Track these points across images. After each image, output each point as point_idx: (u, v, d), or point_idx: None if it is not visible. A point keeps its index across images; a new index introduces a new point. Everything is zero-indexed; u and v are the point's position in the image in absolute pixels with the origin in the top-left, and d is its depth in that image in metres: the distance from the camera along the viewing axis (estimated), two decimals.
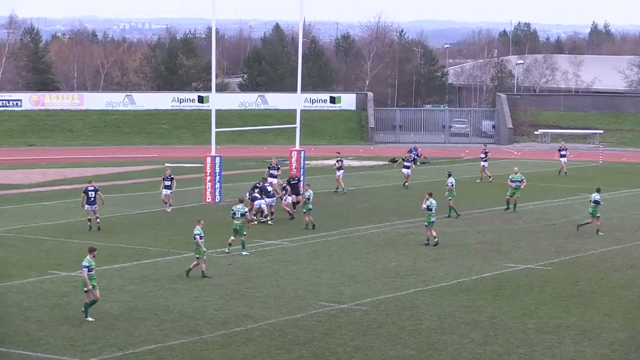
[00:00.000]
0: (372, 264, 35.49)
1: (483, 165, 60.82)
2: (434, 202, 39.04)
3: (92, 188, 42.15)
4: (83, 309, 27.51)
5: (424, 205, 39.01)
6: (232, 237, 36.73)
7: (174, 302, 29.51)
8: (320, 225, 43.06)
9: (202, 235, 32.92)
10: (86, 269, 27.42)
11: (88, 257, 27.66)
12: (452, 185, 46.17)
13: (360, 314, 28.45)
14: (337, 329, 26.91)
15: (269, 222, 43.42)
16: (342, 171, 55.29)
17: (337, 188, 54.77)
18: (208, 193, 50.79)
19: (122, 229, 42.37)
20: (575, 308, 29.44)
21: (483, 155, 61.08)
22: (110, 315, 28.02)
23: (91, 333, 26.28)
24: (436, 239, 38.83)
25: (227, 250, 36.59)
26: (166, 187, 47.12)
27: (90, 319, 27.24)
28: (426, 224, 39.04)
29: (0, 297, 30.02)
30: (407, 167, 57.92)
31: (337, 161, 55.33)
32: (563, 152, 65.62)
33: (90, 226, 41.83)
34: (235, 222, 36.51)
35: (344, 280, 32.70)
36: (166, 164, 68.08)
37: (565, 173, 64.40)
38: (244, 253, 36.31)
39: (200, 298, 29.99)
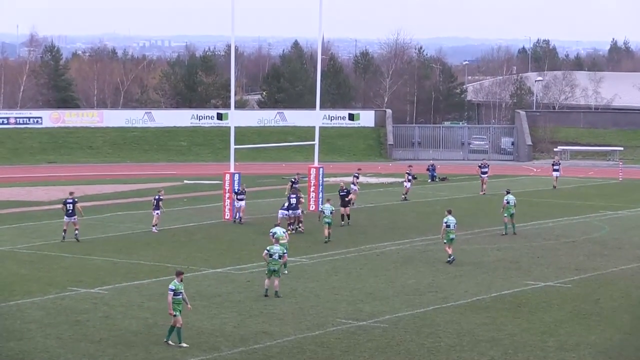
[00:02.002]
0: (390, 281, 35.43)
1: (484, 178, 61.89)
2: (452, 219, 38.97)
3: (71, 200, 43.12)
4: (170, 332, 26.76)
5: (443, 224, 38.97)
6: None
7: (192, 318, 29.51)
8: (339, 242, 43.07)
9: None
10: (172, 292, 26.85)
11: (175, 280, 27.17)
12: (508, 203, 46.01)
13: (379, 331, 28.39)
14: (356, 346, 26.86)
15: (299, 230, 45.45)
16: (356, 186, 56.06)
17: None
18: (227, 210, 50.83)
19: (141, 246, 42.47)
20: (596, 326, 29.29)
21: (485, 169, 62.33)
22: (129, 332, 28.06)
23: (110, 350, 26.32)
24: (452, 257, 38.61)
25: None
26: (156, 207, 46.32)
27: (184, 344, 26.48)
28: (445, 241, 38.96)
29: (21, 313, 30.12)
30: (409, 181, 58.36)
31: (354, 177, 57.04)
32: (556, 167, 66.49)
33: (64, 237, 42.42)
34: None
35: (363, 297, 32.66)
36: (185, 181, 68.27)
37: (554, 186, 65.23)
38: (285, 272, 35.55)
39: (218, 315, 30.00)
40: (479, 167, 64.39)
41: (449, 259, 38.65)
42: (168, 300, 26.85)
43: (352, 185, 55.33)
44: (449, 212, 39.44)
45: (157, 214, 46.15)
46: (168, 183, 68.51)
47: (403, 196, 58.50)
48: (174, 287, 26.92)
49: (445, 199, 58.94)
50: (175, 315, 26.66)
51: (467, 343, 27.27)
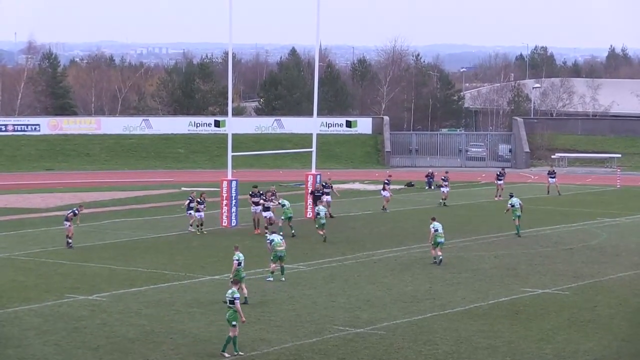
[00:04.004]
0: (388, 288, 35.43)
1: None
2: (438, 224, 40.23)
3: (75, 210, 44.14)
4: (227, 342, 26.63)
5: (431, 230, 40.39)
6: (273, 265, 36.30)
7: (190, 326, 29.53)
8: (336, 249, 43.13)
9: (240, 260, 32.81)
10: (238, 300, 26.96)
11: (234, 288, 27.33)
12: (513, 206, 47.45)
13: (376, 338, 28.39)
14: (353, 354, 26.86)
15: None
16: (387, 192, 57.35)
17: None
18: (224, 217, 50.85)
19: (139, 253, 42.47)
20: (593, 333, 29.30)
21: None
22: (126, 339, 28.06)
23: (108, 357, 26.32)
24: (440, 257, 39.73)
25: (270, 278, 36.25)
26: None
27: (226, 354, 26.52)
28: (432, 243, 40.16)
29: (19, 320, 30.12)
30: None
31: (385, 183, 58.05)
32: (552, 176, 67.45)
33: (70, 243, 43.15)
34: (277, 248, 36.13)
35: (360, 304, 32.66)
36: (183, 188, 68.27)
37: (557, 193, 65.85)
38: (282, 279, 36.14)
39: (216, 322, 29.98)
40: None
41: (434, 261, 39.62)
42: (237, 307, 26.73)
43: (382, 192, 57.60)
44: (434, 219, 40.76)
45: (190, 214, 47.72)
46: (165, 190, 68.56)
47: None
48: (238, 295, 27.01)
49: (443, 206, 58.92)
50: (234, 325, 26.55)
51: (464, 350, 27.27)
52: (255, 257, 40.78)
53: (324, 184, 54.31)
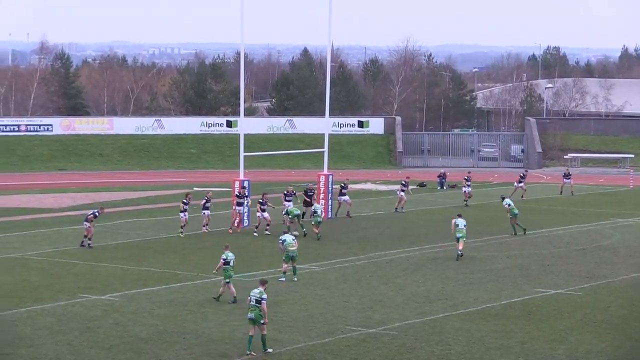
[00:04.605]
0: (400, 288, 35.41)
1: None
2: (462, 220, 41.67)
3: (96, 211, 44.54)
4: (250, 342, 26.67)
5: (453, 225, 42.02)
6: (285, 265, 36.50)
7: (202, 326, 29.57)
8: (348, 250, 43.16)
9: (227, 260, 32.89)
10: (265, 302, 27.03)
11: (261, 288, 27.34)
12: (509, 205, 47.69)
13: (388, 338, 28.38)
14: (366, 354, 26.86)
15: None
16: (402, 193, 57.38)
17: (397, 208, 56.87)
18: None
19: (151, 253, 42.54)
20: (606, 334, 29.23)
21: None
22: (139, 339, 28.11)
23: (120, 357, 26.37)
24: (460, 252, 40.88)
25: (283, 279, 36.34)
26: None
27: (269, 349, 26.85)
28: (457, 237, 41.61)
29: (32, 320, 30.20)
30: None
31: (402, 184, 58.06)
32: (568, 177, 67.37)
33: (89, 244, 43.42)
34: (289, 248, 36.30)
35: (373, 304, 32.65)
36: (194, 189, 68.35)
37: (570, 193, 65.76)
38: (295, 279, 36.22)
39: (228, 322, 30.01)
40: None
41: (458, 253, 41.00)
42: (263, 308, 26.90)
43: (398, 192, 57.59)
44: (459, 216, 42.32)
45: (205, 214, 48.17)
46: (178, 190, 68.60)
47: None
48: (266, 296, 27.08)
49: (455, 206, 58.84)
50: (262, 323, 26.69)
51: (477, 351, 27.24)
52: (268, 257, 40.87)
53: (342, 185, 54.49)
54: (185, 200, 47.81)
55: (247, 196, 49.84)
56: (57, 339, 27.96)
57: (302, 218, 48.52)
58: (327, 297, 33.75)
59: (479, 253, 42.72)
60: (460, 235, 41.29)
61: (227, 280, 32.73)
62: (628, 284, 36.74)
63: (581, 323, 30.45)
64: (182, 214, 47.38)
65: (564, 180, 67.36)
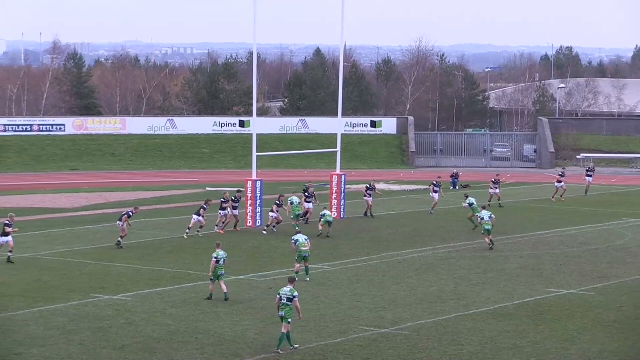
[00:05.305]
0: (413, 288, 35.39)
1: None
2: (486, 212, 43.62)
3: (130, 211, 44.55)
4: (281, 340, 26.85)
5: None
6: (298, 265, 36.58)
7: (214, 326, 29.60)
8: (361, 250, 43.17)
9: (218, 258, 33.08)
10: (297, 299, 27.22)
11: (290, 286, 27.55)
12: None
13: (401, 338, 28.37)
14: (378, 354, 26.85)
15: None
16: (436, 194, 57.20)
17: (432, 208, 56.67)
18: (249, 217, 50.93)
19: (164, 253, 42.60)
20: (619, 334, 29.16)
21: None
22: (151, 338, 28.15)
23: (133, 357, 26.42)
24: (490, 245, 43.09)
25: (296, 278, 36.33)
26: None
27: (296, 345, 27.13)
28: (482, 232, 43.49)
29: (44, 320, 30.27)
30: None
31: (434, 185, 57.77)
32: (590, 173, 66.34)
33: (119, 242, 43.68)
34: (302, 248, 36.36)
35: (385, 304, 32.64)
36: (207, 188, 68.45)
37: (586, 193, 65.71)
38: (307, 279, 36.32)
39: (241, 322, 30.04)
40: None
41: (490, 246, 42.94)
42: (296, 305, 27.12)
43: (432, 194, 57.39)
44: (484, 208, 44.52)
45: (221, 214, 48.08)
46: (190, 190, 68.76)
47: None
48: (298, 294, 27.26)
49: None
50: (288, 322, 26.90)
51: (489, 351, 27.21)
52: (281, 257, 40.92)
53: (367, 186, 54.79)
54: (205, 206, 47.63)
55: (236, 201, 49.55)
56: (69, 339, 28.02)
57: (303, 217, 49.66)
58: (339, 297, 33.76)
59: (491, 253, 42.65)
60: (489, 227, 43.01)
61: (212, 277, 32.99)
62: None
63: (593, 323, 30.38)
64: (195, 217, 47.20)
65: (586, 177, 66.78)
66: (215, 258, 33.20)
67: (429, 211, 56.46)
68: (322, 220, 46.55)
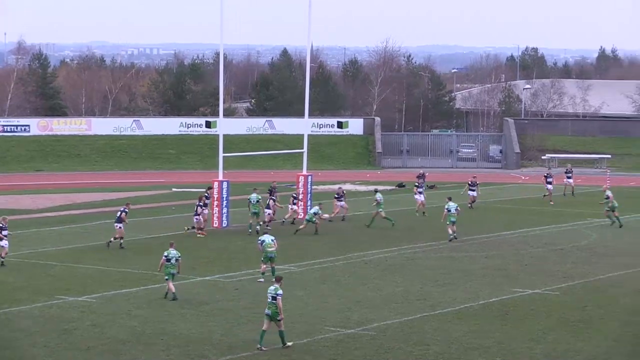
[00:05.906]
0: (379, 288, 35.46)
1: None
2: (452, 204, 45.15)
3: (123, 209, 44.67)
4: (262, 336, 27.08)
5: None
6: (264, 265, 36.57)
7: (181, 327, 29.52)
8: (327, 251, 43.16)
9: (169, 257, 33.25)
10: (280, 297, 27.23)
11: (276, 285, 27.59)
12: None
13: (367, 339, 28.41)
14: (344, 354, 26.88)
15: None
16: (422, 195, 56.51)
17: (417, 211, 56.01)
18: (215, 218, 50.82)
19: (130, 254, 42.41)
20: (583, 333, 29.36)
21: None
22: (117, 340, 28.03)
23: (98, 358, 26.30)
24: (453, 235, 44.72)
25: (262, 279, 36.28)
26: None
27: (289, 343, 27.33)
28: (448, 222, 45.07)
29: (8, 322, 30.06)
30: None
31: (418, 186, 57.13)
32: (569, 174, 66.28)
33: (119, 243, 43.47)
34: (268, 249, 36.33)
35: (351, 305, 32.68)
36: (173, 189, 68.23)
37: (572, 193, 65.20)
38: (261, 280, 36.23)
39: (207, 323, 29.98)
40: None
41: (451, 237, 44.65)
42: (279, 304, 27.18)
43: (416, 196, 56.35)
44: (449, 199, 45.83)
45: (197, 220, 47.92)
46: (156, 191, 68.49)
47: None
48: (281, 292, 27.30)
49: (434, 206, 58.88)
50: (279, 320, 27.07)
51: (455, 351, 27.31)
52: (248, 258, 40.84)
53: (336, 195, 54.11)
54: (200, 204, 48.01)
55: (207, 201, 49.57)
56: (34, 341, 27.84)
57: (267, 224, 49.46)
58: (305, 297, 33.76)
59: (457, 253, 42.82)
60: (454, 219, 44.58)
61: (167, 277, 33.09)
62: (605, 283, 36.90)
63: (558, 323, 30.57)
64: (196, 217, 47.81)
65: (566, 179, 66.30)
66: (166, 256, 33.25)
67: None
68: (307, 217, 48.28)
